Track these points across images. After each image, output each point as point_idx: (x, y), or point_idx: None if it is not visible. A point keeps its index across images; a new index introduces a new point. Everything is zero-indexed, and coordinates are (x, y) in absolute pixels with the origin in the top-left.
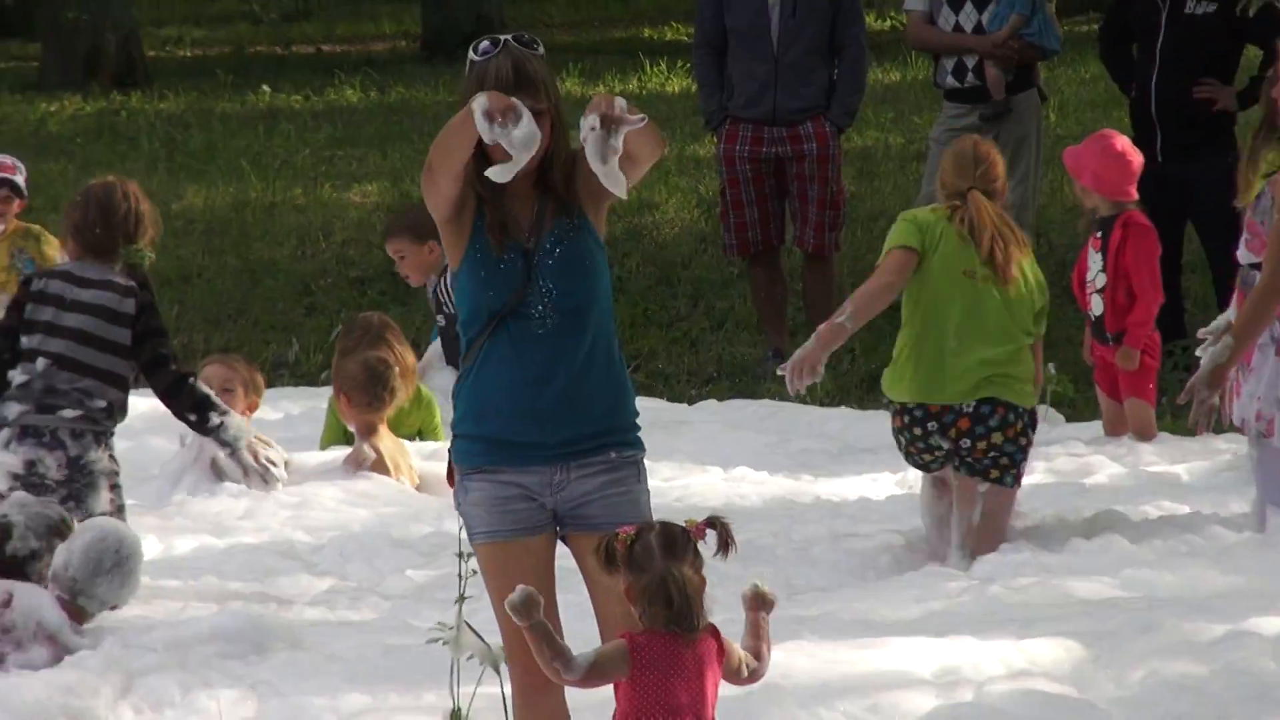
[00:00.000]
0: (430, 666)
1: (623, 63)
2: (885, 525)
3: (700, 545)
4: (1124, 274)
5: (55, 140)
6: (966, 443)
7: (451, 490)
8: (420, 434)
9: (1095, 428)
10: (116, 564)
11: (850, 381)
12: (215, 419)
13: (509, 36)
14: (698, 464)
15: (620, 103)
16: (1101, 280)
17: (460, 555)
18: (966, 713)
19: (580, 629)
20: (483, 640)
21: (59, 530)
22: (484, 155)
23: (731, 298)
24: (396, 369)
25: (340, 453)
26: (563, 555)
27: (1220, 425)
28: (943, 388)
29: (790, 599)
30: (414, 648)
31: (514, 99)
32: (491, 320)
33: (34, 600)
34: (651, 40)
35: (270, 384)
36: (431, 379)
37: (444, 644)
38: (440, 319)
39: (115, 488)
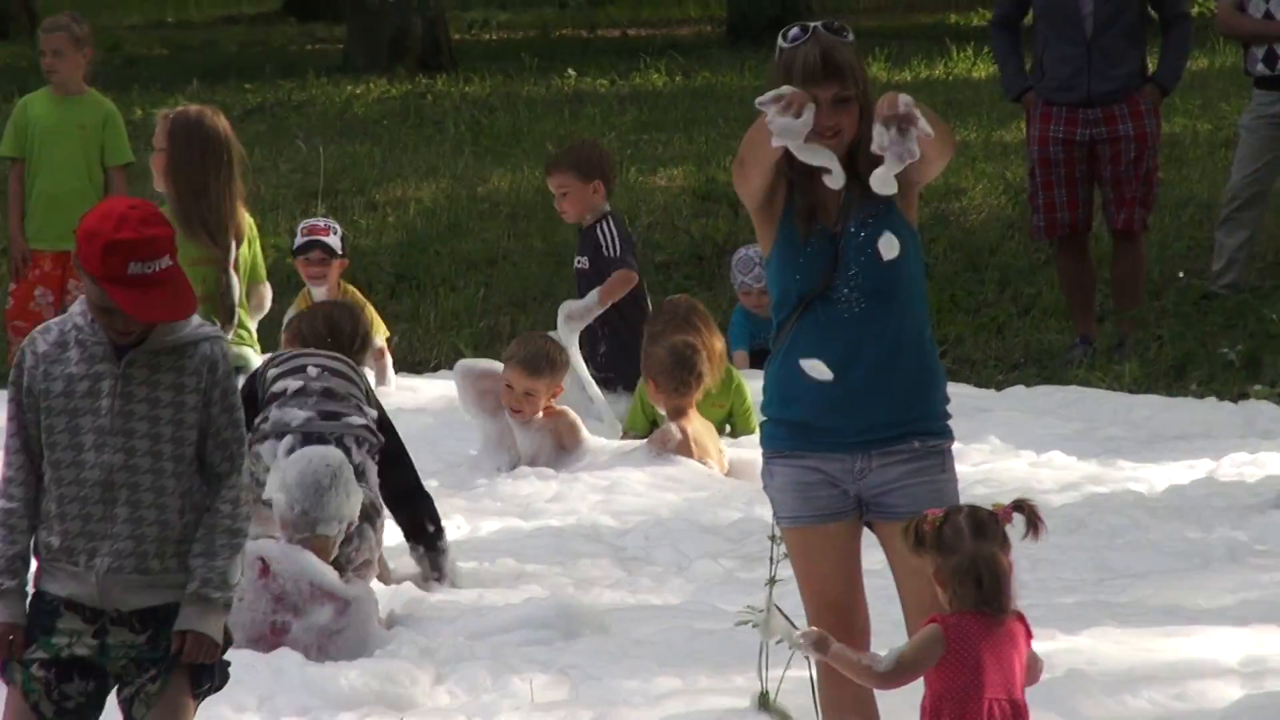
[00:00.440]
0: (738, 649)
1: (928, 48)
2: (1197, 515)
3: (1008, 529)
4: None
5: (361, 123)
6: None
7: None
8: (730, 416)
9: None
10: (334, 478)
11: (1158, 369)
12: (445, 542)
13: (818, 24)
14: (1008, 450)
15: (905, 99)
16: None
17: (772, 538)
18: (1273, 703)
19: (888, 610)
20: (792, 623)
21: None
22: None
23: (1038, 284)
24: (704, 353)
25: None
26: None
27: None
28: None
29: (1100, 584)
30: (720, 631)
31: (797, 90)
32: (800, 304)
33: (293, 559)
34: (957, 26)
35: None
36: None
37: (753, 626)
38: (583, 260)
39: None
